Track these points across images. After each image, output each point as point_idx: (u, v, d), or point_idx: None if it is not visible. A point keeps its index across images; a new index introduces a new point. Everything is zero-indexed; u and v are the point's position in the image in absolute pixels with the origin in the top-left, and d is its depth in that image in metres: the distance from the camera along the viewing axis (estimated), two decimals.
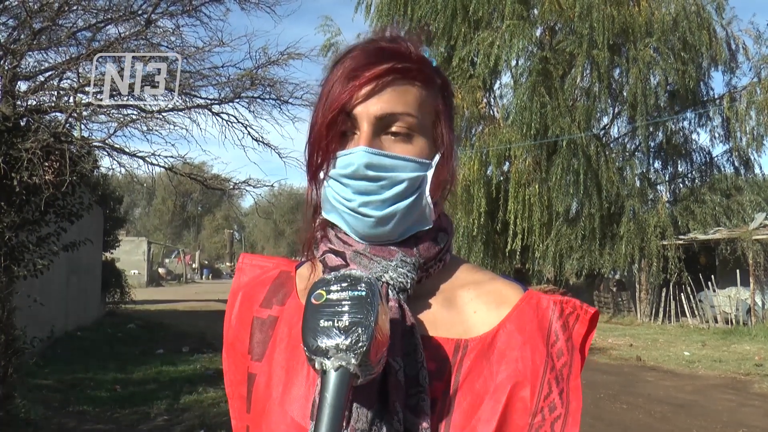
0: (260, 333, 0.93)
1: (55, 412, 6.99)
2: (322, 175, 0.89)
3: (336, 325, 0.72)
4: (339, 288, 0.75)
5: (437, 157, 0.89)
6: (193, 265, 56.94)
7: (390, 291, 0.85)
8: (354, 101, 0.85)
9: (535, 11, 19.61)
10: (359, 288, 0.74)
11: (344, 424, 0.75)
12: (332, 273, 0.78)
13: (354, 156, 0.85)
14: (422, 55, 0.90)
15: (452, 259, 0.95)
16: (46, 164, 5.78)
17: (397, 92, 0.86)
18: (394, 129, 0.86)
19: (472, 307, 0.90)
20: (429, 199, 0.88)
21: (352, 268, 0.85)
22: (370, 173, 0.85)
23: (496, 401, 0.82)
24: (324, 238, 0.92)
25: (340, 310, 0.73)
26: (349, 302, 0.73)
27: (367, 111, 0.85)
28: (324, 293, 0.75)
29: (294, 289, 0.95)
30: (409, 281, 0.85)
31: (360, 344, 0.70)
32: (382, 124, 0.86)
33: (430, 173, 0.88)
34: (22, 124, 6.12)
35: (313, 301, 0.75)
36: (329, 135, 0.87)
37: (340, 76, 0.87)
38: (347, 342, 0.70)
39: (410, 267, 0.86)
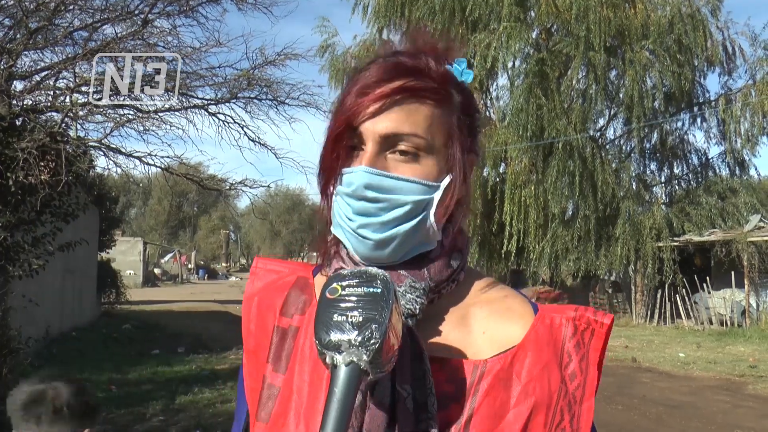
0: (282, 343, 0.90)
1: None
2: (332, 188, 0.88)
3: (349, 320, 0.71)
4: (354, 283, 0.74)
5: (447, 180, 0.86)
6: (189, 266, 56.74)
7: None
8: (361, 118, 0.84)
9: (532, 13, 19.65)
10: (375, 285, 0.74)
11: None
12: (348, 269, 0.77)
13: (355, 175, 0.84)
14: (442, 72, 0.88)
15: (468, 274, 0.93)
16: (42, 164, 5.78)
17: (406, 111, 0.83)
18: (400, 149, 0.84)
19: (482, 327, 0.88)
20: (433, 222, 0.85)
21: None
22: (369, 194, 0.83)
23: (511, 430, 0.81)
24: (337, 254, 0.90)
25: (354, 305, 0.72)
26: (364, 298, 0.72)
27: (372, 129, 0.83)
28: (339, 288, 0.74)
29: (314, 298, 0.93)
30: (418, 307, 0.84)
31: (373, 341, 0.70)
32: (387, 143, 0.84)
33: (437, 196, 0.85)
34: (18, 123, 6.12)
35: (327, 295, 0.74)
36: (335, 150, 0.86)
37: (353, 90, 0.85)
38: (360, 338, 0.70)
39: (419, 293, 0.85)
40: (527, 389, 0.83)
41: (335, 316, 0.72)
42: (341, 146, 0.86)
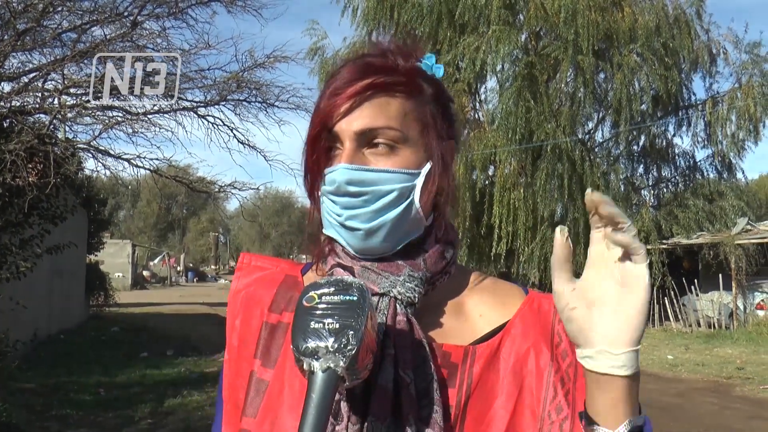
0: (271, 339, 0.92)
1: (38, 416, 6.92)
2: (317, 191, 0.90)
3: (326, 327, 0.72)
4: (330, 292, 0.76)
5: (427, 167, 0.88)
6: (178, 268, 56.52)
7: (398, 305, 0.85)
8: (335, 118, 0.86)
9: (521, 17, 19.69)
10: (351, 293, 0.75)
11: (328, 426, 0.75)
12: (324, 278, 0.79)
13: (336, 173, 0.85)
14: (410, 67, 0.90)
15: (458, 269, 0.96)
16: (30, 166, 5.76)
17: (377, 106, 0.86)
18: (376, 143, 0.86)
19: (477, 312, 0.91)
20: (419, 208, 0.87)
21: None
22: (352, 189, 0.85)
23: (505, 409, 0.84)
24: (332, 252, 0.92)
25: (330, 312, 0.74)
26: (340, 306, 0.74)
27: (347, 127, 0.85)
28: (315, 296, 0.76)
29: None
30: (416, 296, 0.86)
31: (349, 347, 0.71)
32: (364, 139, 0.86)
33: (419, 182, 0.87)
34: (6, 125, 6.08)
35: (304, 303, 0.75)
36: (314, 152, 0.88)
37: (326, 94, 0.88)
38: (337, 344, 0.71)
39: (417, 281, 0.87)
40: (515, 369, 0.86)
41: (312, 323, 0.73)
42: (319, 148, 0.88)
